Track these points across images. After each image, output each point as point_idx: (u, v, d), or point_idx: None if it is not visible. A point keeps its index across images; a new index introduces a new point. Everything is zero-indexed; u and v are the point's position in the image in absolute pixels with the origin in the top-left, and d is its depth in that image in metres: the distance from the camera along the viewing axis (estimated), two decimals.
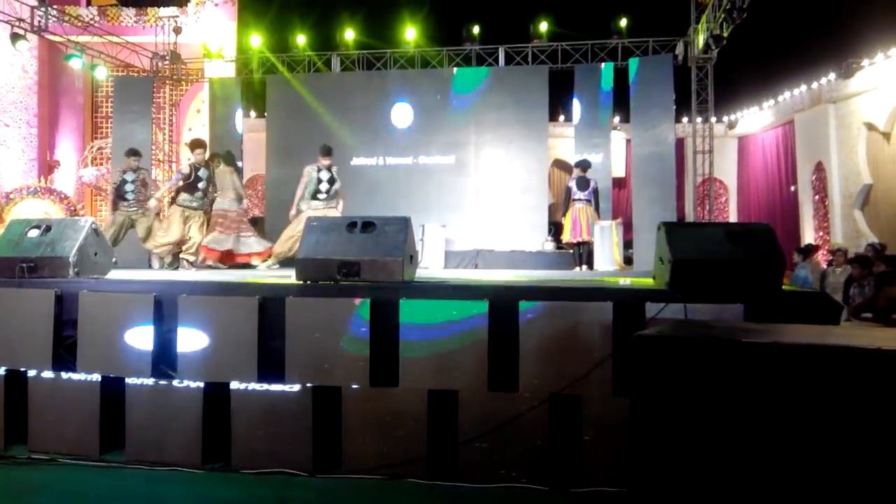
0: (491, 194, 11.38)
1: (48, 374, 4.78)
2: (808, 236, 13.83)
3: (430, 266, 9.69)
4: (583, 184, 9.63)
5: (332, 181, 8.24)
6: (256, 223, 13.28)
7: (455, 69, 11.69)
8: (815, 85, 13.66)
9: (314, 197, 8.18)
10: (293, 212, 8.20)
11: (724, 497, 2.63)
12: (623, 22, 11.28)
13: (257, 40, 12.68)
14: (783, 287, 4.56)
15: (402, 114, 11.60)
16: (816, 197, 14.04)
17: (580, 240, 9.56)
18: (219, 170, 8.45)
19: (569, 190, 9.77)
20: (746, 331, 3.07)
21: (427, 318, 4.32)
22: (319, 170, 8.19)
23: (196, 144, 8.33)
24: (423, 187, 11.18)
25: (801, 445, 2.50)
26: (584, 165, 9.77)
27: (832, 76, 13.01)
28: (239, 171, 9.07)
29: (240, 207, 8.40)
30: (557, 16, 11.84)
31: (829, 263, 9.86)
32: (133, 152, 8.50)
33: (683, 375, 2.74)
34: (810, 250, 10.59)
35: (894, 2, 11.34)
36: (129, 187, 8.23)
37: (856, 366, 2.46)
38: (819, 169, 13.81)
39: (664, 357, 2.79)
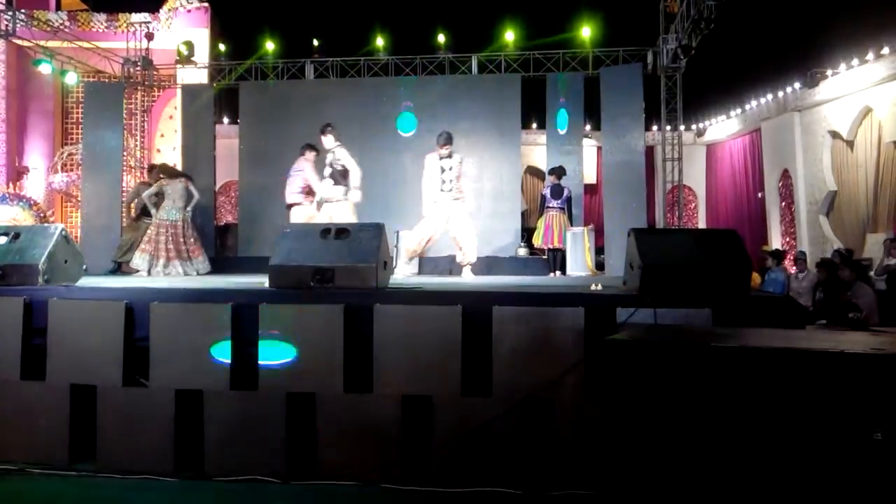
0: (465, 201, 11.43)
1: (17, 382, 4.70)
2: (776, 242, 14.10)
3: (405, 272, 9.69)
4: (557, 191, 9.75)
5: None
6: (229, 230, 13.29)
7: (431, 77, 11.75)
8: (780, 94, 13.95)
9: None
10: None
11: (695, 498, 2.68)
12: (594, 31, 11.42)
13: (229, 47, 12.64)
14: (750, 292, 4.66)
15: (377, 120, 11.60)
16: (783, 203, 14.33)
17: (551, 246, 9.68)
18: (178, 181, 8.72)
19: (543, 197, 9.93)
20: (714, 335, 3.14)
21: (401, 323, 4.34)
22: (441, 158, 7.92)
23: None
24: (398, 194, 11.19)
25: (769, 446, 2.56)
26: (558, 172, 9.88)
27: (797, 85, 13.30)
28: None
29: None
30: (529, 24, 11.96)
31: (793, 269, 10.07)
32: (309, 147, 8.40)
33: (654, 378, 2.79)
34: (782, 255, 10.81)
35: (857, 14, 11.64)
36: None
37: (820, 368, 2.53)
38: (785, 176, 14.10)
39: (634, 361, 2.85)
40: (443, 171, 7.87)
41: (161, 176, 9.02)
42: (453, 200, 7.90)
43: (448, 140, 7.89)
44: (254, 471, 4.34)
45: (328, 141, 7.68)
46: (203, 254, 8.87)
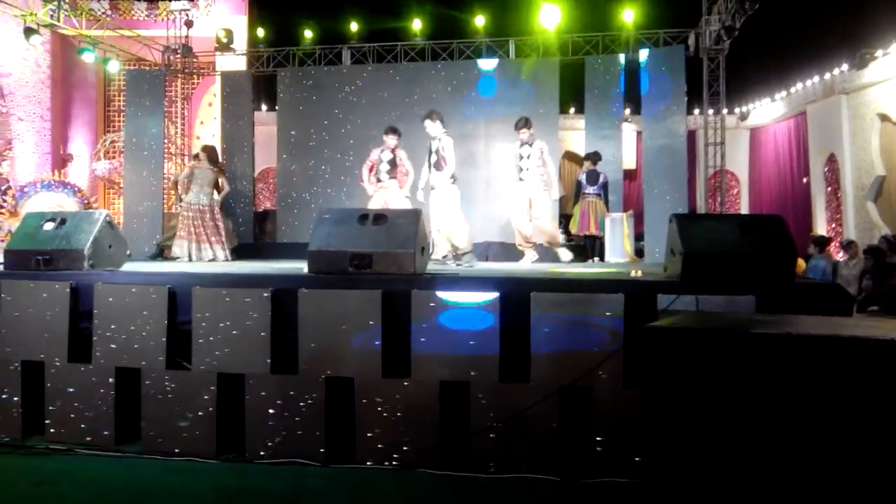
0: (501, 187, 11.35)
1: (65, 365, 4.83)
2: (821, 228, 13.76)
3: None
4: (592, 177, 9.66)
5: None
6: (268, 216, 13.43)
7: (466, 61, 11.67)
8: (827, 76, 13.56)
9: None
10: None
11: (736, 488, 2.63)
12: (634, 13, 11.21)
13: (268, 33, 12.70)
14: (795, 279, 4.56)
15: (412, 106, 11.56)
16: (829, 189, 13.96)
17: (587, 233, 9.58)
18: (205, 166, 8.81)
19: (579, 183, 9.84)
20: (758, 322, 3.07)
21: (438, 309, 4.34)
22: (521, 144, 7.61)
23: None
24: None
25: (813, 436, 2.50)
26: (594, 158, 9.77)
27: (845, 67, 12.91)
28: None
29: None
30: (567, 6, 11.78)
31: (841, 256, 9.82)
32: (391, 130, 8.11)
33: (695, 367, 2.74)
34: (824, 242, 10.54)
35: None
36: (383, 167, 7.91)
37: (869, 357, 2.45)
38: (832, 160, 13.73)
39: (676, 348, 2.79)
40: (520, 158, 7.60)
41: (199, 159, 9.07)
42: (533, 190, 7.55)
43: (525, 125, 7.56)
44: (294, 454, 4.40)
45: (435, 128, 7.46)
46: (224, 245, 8.71)
